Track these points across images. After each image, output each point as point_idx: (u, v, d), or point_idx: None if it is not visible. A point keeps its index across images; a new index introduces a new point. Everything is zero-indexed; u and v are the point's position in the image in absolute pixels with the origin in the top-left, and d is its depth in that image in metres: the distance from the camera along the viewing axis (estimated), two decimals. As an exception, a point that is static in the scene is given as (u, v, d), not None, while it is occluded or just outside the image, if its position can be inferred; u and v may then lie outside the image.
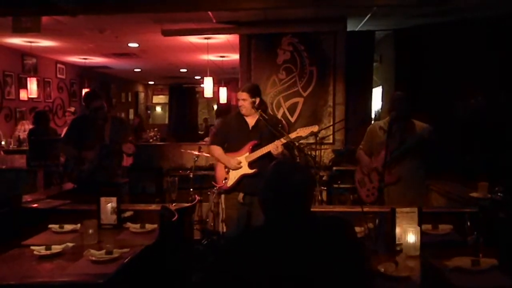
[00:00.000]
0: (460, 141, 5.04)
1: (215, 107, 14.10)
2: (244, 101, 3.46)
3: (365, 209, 2.55)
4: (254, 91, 3.51)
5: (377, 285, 1.91)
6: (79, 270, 2.15)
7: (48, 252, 2.34)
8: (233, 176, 3.49)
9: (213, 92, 7.52)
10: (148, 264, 2.53)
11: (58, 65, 9.49)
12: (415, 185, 3.56)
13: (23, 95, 7.90)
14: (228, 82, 11.44)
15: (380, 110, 7.47)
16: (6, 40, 7.12)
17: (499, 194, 3.18)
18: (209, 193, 5.09)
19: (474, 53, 5.43)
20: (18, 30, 4.95)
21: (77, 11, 4.29)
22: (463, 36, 5.52)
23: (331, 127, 5.86)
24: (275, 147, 3.32)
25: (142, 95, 16.23)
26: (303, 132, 3.40)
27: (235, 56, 7.10)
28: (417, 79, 5.73)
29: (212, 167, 6.02)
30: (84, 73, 10.48)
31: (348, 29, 5.92)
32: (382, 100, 7.34)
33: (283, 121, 3.86)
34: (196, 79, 13.63)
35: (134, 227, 2.86)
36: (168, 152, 7.05)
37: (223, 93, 8.88)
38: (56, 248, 2.37)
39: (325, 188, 5.37)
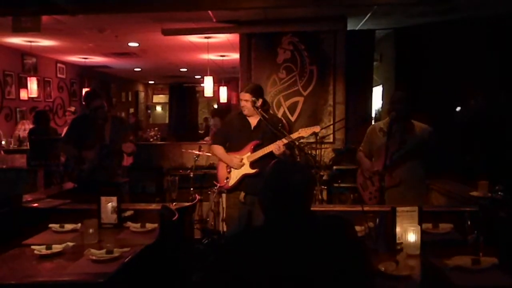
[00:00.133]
0: (460, 140, 5.04)
1: (215, 106, 14.11)
2: (247, 101, 3.47)
3: (366, 208, 2.56)
4: (257, 92, 3.51)
5: (377, 284, 1.91)
6: (80, 270, 2.15)
7: (49, 251, 2.34)
8: (235, 176, 3.50)
9: (213, 92, 7.52)
10: (148, 263, 2.53)
11: (58, 65, 9.49)
12: (415, 185, 3.55)
13: (23, 94, 7.90)
14: (228, 82, 11.45)
15: (380, 109, 7.47)
16: (6, 40, 7.12)
17: (499, 193, 3.18)
18: (209, 192, 5.10)
19: (474, 52, 5.42)
20: (18, 30, 4.94)
21: (77, 10, 4.29)
22: (464, 36, 5.52)
23: (331, 126, 5.86)
24: (277, 147, 3.32)
25: (142, 95, 16.23)
26: (305, 132, 3.41)
27: (235, 56, 7.10)
28: (417, 78, 5.73)
29: (212, 167, 6.03)
30: (84, 73, 10.48)
31: (348, 28, 5.92)
32: (382, 99, 7.34)
33: (283, 121, 3.86)
34: (196, 78, 13.64)
35: (134, 226, 2.86)
36: (169, 152, 7.05)
37: (223, 93, 8.88)
38: (57, 248, 2.37)
39: (326, 187, 5.37)
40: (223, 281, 1.52)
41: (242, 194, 3.49)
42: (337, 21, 5.75)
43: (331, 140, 5.96)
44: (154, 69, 11.62)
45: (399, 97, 3.58)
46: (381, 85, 7.35)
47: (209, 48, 7.27)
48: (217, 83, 9.58)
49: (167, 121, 16.12)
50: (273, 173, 1.65)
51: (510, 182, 3.30)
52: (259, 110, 3.44)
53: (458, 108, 5.38)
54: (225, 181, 3.54)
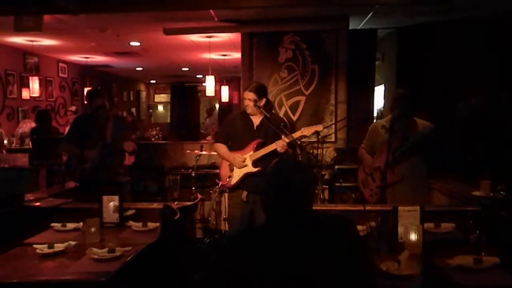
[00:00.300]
0: (462, 139, 5.03)
1: (217, 105, 14.11)
2: (250, 100, 3.46)
3: (367, 208, 2.56)
4: (261, 91, 3.51)
5: (379, 284, 1.90)
6: (82, 269, 2.15)
7: (51, 250, 2.34)
8: (237, 174, 3.50)
9: (215, 91, 7.51)
10: (150, 262, 2.53)
11: (60, 64, 9.50)
12: (417, 183, 3.56)
13: (25, 94, 7.90)
14: (230, 81, 11.44)
15: (382, 109, 7.46)
16: (8, 39, 7.13)
17: (501, 192, 3.17)
18: (211, 191, 5.10)
19: (475, 51, 5.42)
20: (20, 29, 4.95)
21: (79, 10, 4.29)
22: (465, 35, 5.51)
23: (333, 126, 5.86)
24: (280, 146, 3.32)
25: (144, 94, 16.24)
26: (307, 131, 3.41)
27: (237, 55, 7.10)
28: (419, 78, 5.72)
29: (214, 166, 6.04)
30: (86, 72, 10.49)
31: (350, 27, 5.90)
32: (384, 99, 7.33)
33: (285, 120, 3.86)
34: (198, 77, 13.64)
35: (136, 225, 2.86)
36: (170, 151, 7.05)
37: (225, 92, 8.88)
38: (59, 247, 2.37)
39: (327, 186, 5.36)
40: (224, 280, 1.52)
41: (245, 193, 3.50)
42: (339, 20, 5.74)
43: (333, 139, 5.95)
44: (156, 68, 11.62)
45: (402, 95, 3.59)
46: (383, 84, 7.34)
47: (210, 47, 7.26)
48: (219, 82, 9.58)
49: (168, 121, 16.12)
50: (274, 172, 1.65)
51: (512, 181, 3.30)
52: (261, 109, 3.44)
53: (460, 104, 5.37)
54: (227, 179, 3.55)
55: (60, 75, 9.52)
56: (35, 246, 2.38)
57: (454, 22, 5.69)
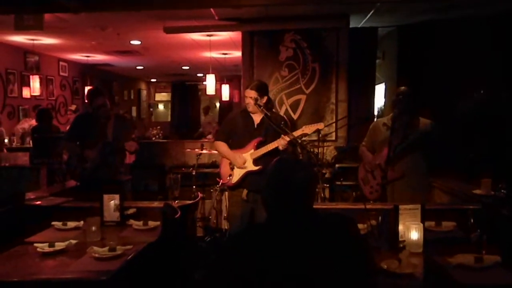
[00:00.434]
0: (463, 138, 5.03)
1: (217, 104, 14.11)
2: (251, 99, 3.46)
3: (368, 206, 2.56)
4: (262, 89, 3.50)
5: (380, 282, 1.90)
6: (82, 267, 2.15)
7: (51, 249, 2.34)
8: (238, 173, 3.50)
9: (216, 89, 7.51)
10: (151, 261, 2.53)
11: (61, 63, 9.50)
12: (418, 180, 3.57)
13: (25, 92, 7.91)
14: (231, 79, 11.44)
15: (382, 107, 7.46)
16: (8, 38, 7.14)
17: (502, 191, 3.17)
18: (211, 190, 5.10)
19: (476, 50, 5.42)
20: (20, 28, 4.96)
21: (79, 8, 4.29)
22: (466, 33, 5.51)
23: (334, 124, 5.86)
24: (281, 144, 3.32)
25: (144, 93, 16.23)
26: (308, 129, 3.41)
27: (238, 53, 7.09)
28: (419, 76, 5.72)
29: (214, 165, 6.04)
30: (87, 71, 10.49)
31: (351, 25, 5.90)
32: (384, 97, 7.32)
33: (286, 118, 3.86)
34: (199, 76, 13.64)
35: (137, 224, 2.86)
36: (171, 150, 7.05)
37: (225, 90, 8.87)
38: (59, 245, 2.37)
39: (328, 185, 5.36)
40: (225, 279, 1.52)
41: (245, 192, 3.49)
42: (340, 19, 5.73)
43: (334, 138, 5.96)
44: (156, 67, 11.62)
45: (404, 92, 3.59)
46: (383, 83, 7.33)
47: (211, 46, 7.26)
48: (219, 81, 9.56)
49: (169, 119, 16.13)
50: (275, 171, 1.64)
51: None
52: (262, 107, 3.44)
53: (460, 106, 5.37)
54: (228, 178, 3.54)
55: (61, 73, 9.52)
56: (35, 244, 2.38)
57: (454, 21, 5.68)
